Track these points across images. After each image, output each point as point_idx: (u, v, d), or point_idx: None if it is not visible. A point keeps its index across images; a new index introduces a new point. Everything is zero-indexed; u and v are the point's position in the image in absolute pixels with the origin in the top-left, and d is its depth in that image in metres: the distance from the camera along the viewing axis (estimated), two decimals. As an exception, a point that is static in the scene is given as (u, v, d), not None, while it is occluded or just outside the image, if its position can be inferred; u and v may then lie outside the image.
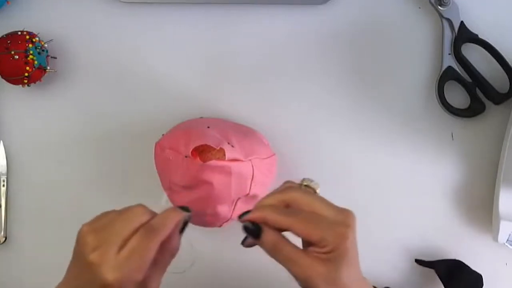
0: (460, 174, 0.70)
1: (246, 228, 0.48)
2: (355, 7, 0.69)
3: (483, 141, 0.70)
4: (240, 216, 0.49)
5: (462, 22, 0.68)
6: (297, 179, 0.71)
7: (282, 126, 0.69)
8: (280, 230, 0.47)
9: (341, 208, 0.48)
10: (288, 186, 0.51)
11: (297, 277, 0.47)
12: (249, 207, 0.65)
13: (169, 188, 0.63)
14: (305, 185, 0.51)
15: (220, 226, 0.65)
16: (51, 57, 0.67)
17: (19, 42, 0.63)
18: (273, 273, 0.70)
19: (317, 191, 0.51)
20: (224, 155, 0.60)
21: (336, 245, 0.46)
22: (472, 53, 0.68)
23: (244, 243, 0.49)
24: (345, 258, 0.46)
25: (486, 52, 0.68)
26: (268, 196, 0.50)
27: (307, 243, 0.48)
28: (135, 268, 0.45)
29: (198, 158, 0.60)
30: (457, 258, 0.69)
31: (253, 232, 0.48)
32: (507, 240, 0.66)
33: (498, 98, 0.68)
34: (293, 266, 0.47)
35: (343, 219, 0.47)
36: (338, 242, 0.46)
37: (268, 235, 0.47)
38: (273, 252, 0.47)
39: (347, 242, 0.46)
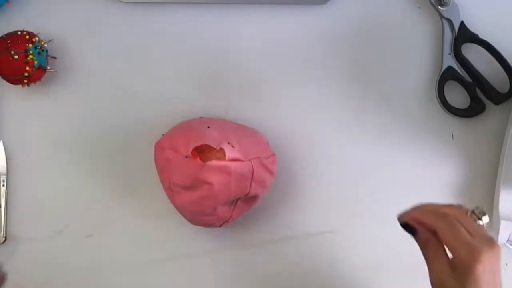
0: (460, 174, 0.70)
1: (403, 226, 0.54)
2: (355, 7, 0.69)
3: (483, 141, 0.70)
4: (400, 215, 0.54)
5: (462, 22, 0.68)
6: (301, 180, 0.71)
7: (282, 126, 0.69)
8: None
9: (489, 238, 0.49)
10: (448, 205, 0.53)
11: (431, 277, 0.51)
12: (249, 207, 0.65)
13: (169, 188, 0.63)
14: (472, 212, 0.53)
15: (220, 226, 0.65)
16: (51, 57, 0.67)
17: (19, 42, 0.63)
18: (273, 273, 0.70)
19: (482, 220, 0.53)
20: (224, 155, 0.60)
21: (466, 264, 0.48)
22: (472, 53, 0.68)
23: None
24: (472, 278, 0.47)
25: (486, 52, 0.68)
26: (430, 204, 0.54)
27: None
28: None
29: (198, 158, 0.60)
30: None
31: (409, 230, 0.53)
32: (507, 240, 0.66)
33: (498, 98, 0.68)
34: (431, 266, 0.51)
35: (482, 245, 0.48)
36: (468, 262, 0.47)
37: (421, 234, 0.52)
38: (423, 250, 0.52)
39: (478, 266, 0.47)
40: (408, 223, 0.53)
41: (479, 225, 0.52)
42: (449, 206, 0.53)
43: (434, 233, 0.51)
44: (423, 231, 0.52)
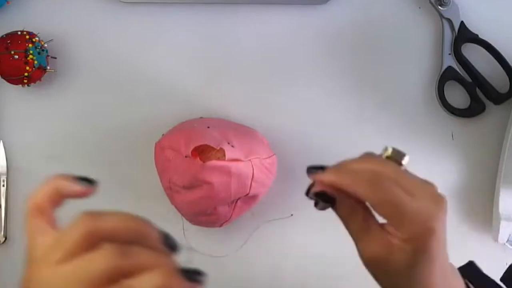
0: (460, 174, 0.70)
1: (318, 195, 0.42)
2: (355, 7, 0.69)
3: (483, 141, 0.70)
4: (310, 170, 0.42)
5: (462, 22, 0.68)
6: (301, 180, 0.71)
7: (282, 126, 0.69)
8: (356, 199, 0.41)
9: (434, 195, 0.42)
10: (369, 157, 0.44)
11: (365, 256, 0.42)
12: (249, 207, 0.65)
13: (169, 188, 0.63)
14: (387, 156, 0.44)
15: (220, 226, 0.65)
16: (51, 57, 0.67)
17: (19, 42, 0.63)
18: (272, 274, 0.70)
19: (403, 163, 0.43)
20: (224, 155, 0.60)
21: (419, 239, 0.40)
22: (472, 53, 0.68)
23: (317, 206, 0.43)
24: (426, 253, 0.40)
25: (486, 52, 0.68)
26: (348, 162, 0.42)
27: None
28: None
29: (198, 158, 0.60)
30: (456, 258, 0.69)
31: (327, 201, 0.42)
32: (507, 240, 0.66)
33: (498, 98, 0.68)
34: (362, 242, 0.41)
35: (432, 210, 0.40)
36: (422, 237, 0.40)
37: (342, 204, 0.41)
38: (346, 223, 0.42)
39: (432, 239, 0.40)
40: (326, 193, 0.41)
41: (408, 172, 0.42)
42: (368, 158, 0.43)
43: (358, 200, 0.41)
44: (344, 200, 0.41)
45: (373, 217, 0.42)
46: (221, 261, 0.70)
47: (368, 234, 0.41)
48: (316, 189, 0.42)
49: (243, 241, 0.70)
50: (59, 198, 0.40)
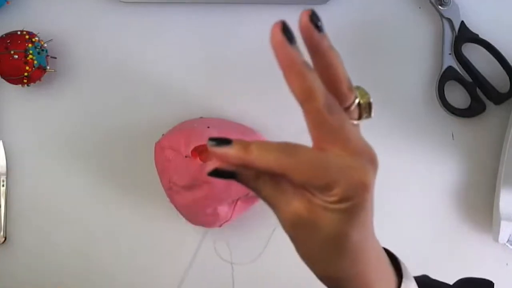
0: (460, 174, 0.70)
1: (215, 174, 0.36)
2: (356, 7, 0.69)
3: (483, 141, 0.70)
4: (214, 142, 0.35)
5: (462, 21, 0.68)
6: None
7: (282, 127, 0.69)
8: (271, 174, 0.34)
9: (363, 146, 0.37)
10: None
11: (284, 219, 0.36)
12: (249, 207, 0.65)
13: (169, 188, 0.63)
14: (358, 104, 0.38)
15: (220, 226, 0.65)
16: (51, 57, 0.67)
17: (19, 42, 0.63)
18: (273, 274, 0.70)
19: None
20: (224, 155, 0.60)
21: (351, 196, 0.33)
22: (473, 53, 0.68)
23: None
24: (361, 212, 0.34)
25: (487, 52, 0.68)
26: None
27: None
28: None
29: (198, 158, 0.60)
30: (456, 258, 0.70)
31: (225, 177, 0.36)
32: (508, 240, 0.66)
33: (498, 98, 0.68)
34: (279, 205, 0.35)
35: (363, 163, 0.35)
36: (354, 193, 0.34)
37: (244, 173, 0.35)
38: (254, 190, 0.36)
39: (366, 194, 0.34)
40: (223, 170, 0.36)
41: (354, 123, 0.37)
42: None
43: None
44: (244, 169, 0.35)
45: (285, 180, 0.35)
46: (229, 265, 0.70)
47: (284, 195, 0.35)
48: (213, 166, 0.36)
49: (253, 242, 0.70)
50: None
